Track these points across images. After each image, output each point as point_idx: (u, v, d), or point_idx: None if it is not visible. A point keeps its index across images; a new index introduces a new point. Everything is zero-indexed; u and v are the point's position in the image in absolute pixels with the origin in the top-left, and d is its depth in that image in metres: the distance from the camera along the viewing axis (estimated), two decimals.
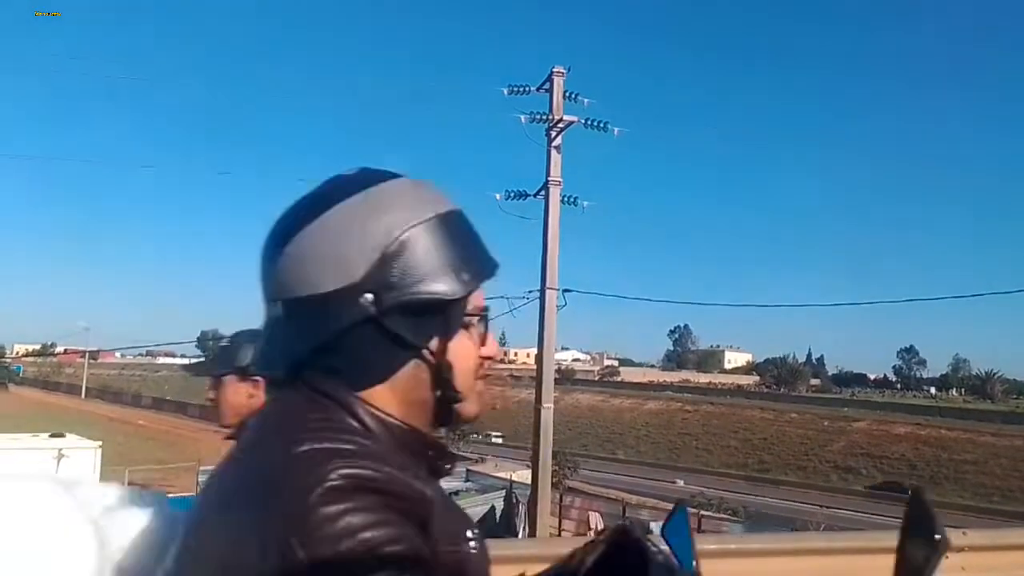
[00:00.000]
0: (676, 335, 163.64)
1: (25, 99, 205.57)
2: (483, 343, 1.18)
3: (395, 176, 1.15)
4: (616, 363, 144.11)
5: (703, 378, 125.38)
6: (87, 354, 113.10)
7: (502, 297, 17.88)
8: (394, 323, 1.07)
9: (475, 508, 27.40)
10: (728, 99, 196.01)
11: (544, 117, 17.10)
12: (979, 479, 52.51)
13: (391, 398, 1.10)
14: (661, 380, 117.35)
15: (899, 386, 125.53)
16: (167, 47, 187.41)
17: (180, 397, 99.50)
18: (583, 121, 17.24)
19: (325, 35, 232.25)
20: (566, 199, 17.34)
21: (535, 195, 17.47)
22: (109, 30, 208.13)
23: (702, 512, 27.80)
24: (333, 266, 1.06)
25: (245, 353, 2.42)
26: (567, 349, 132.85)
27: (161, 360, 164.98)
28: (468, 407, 1.16)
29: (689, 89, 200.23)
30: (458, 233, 1.14)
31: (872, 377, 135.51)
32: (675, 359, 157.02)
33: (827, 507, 39.09)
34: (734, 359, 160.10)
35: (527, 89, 17.38)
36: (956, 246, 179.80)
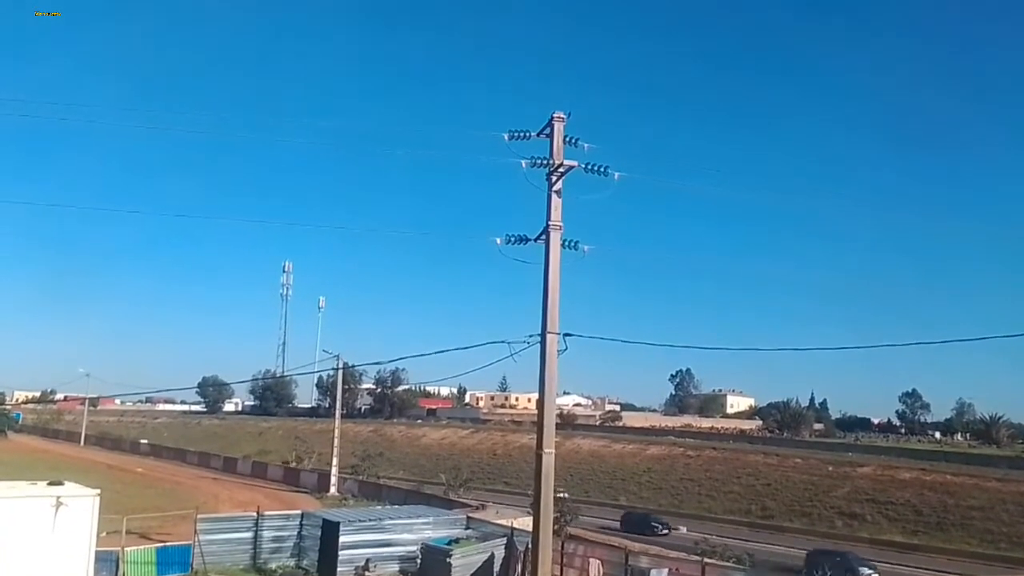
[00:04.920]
0: (678, 379, 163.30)
1: (25, 137, 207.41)
2: None
3: None
4: (618, 408, 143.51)
5: (705, 423, 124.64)
6: (87, 401, 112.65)
7: (503, 342, 17.84)
8: None
9: (476, 556, 27.05)
10: (730, 145, 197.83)
11: (545, 162, 17.21)
12: (986, 525, 51.77)
13: None
14: (663, 425, 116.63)
15: (903, 431, 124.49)
16: (161, 96, 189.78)
17: (179, 444, 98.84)
18: (583, 166, 17.33)
19: (327, 83, 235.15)
20: (567, 243, 17.37)
21: (536, 239, 17.50)
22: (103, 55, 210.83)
23: (706, 559, 27.37)
24: None
25: None
26: (568, 394, 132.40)
27: (161, 407, 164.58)
28: None
29: (690, 134, 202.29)
30: None
31: (876, 422, 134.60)
32: (677, 404, 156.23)
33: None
34: (736, 403, 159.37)
35: (528, 135, 17.48)
36: (959, 289, 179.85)
